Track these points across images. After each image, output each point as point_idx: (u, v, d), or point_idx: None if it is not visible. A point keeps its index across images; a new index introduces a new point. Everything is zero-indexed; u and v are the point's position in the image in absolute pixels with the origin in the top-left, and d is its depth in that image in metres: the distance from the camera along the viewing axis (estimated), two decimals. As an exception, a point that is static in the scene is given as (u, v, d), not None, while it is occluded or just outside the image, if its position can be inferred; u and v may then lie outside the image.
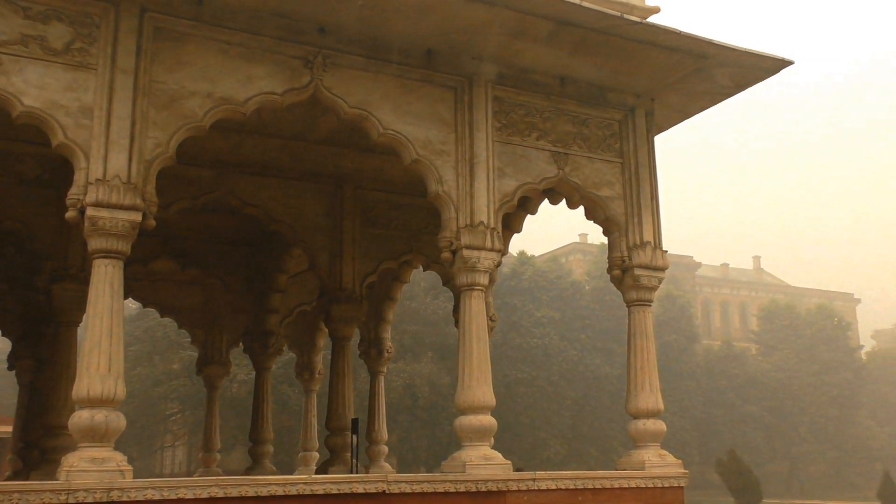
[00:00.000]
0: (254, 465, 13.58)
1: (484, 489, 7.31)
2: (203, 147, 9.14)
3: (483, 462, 7.47)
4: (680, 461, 8.58)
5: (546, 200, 10.23)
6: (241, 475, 10.19)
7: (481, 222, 7.91)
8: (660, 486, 8.13)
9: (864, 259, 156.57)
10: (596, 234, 49.80)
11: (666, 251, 8.90)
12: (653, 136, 9.19)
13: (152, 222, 6.83)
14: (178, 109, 7.11)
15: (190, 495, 6.33)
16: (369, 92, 7.92)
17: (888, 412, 56.27)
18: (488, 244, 7.90)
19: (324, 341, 14.30)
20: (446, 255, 8.03)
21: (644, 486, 8.07)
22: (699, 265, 74.12)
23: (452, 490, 7.21)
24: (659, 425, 8.55)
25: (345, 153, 10.47)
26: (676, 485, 8.25)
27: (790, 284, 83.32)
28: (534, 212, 10.77)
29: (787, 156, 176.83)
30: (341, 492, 6.90)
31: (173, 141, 7.01)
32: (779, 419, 49.03)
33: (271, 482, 6.79)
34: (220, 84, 7.31)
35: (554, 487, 7.69)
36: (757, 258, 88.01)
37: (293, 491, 6.70)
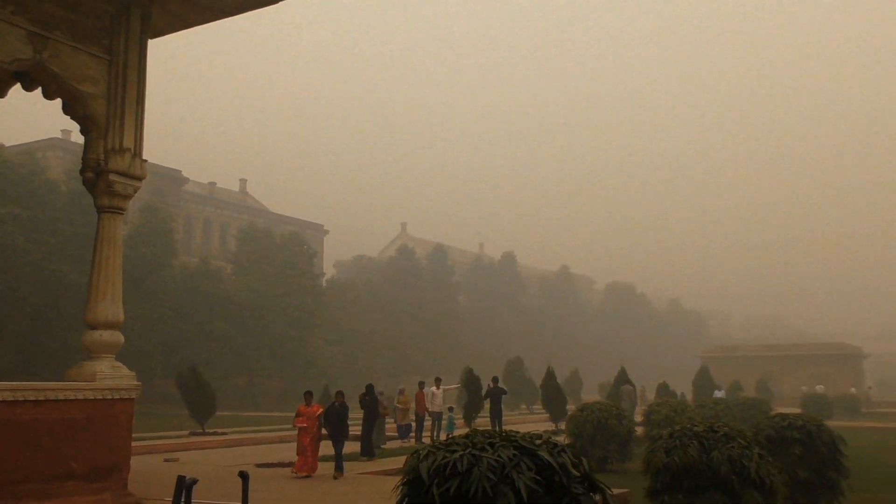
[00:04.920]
0: None
1: None
2: None
3: None
4: (134, 374, 8.50)
5: (19, 86, 9.18)
6: None
7: (-72, 95, 6.79)
8: (109, 397, 7.96)
9: (334, 193, 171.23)
10: (80, 133, 46.24)
11: (146, 161, 8.62)
12: (146, 39, 8.77)
13: None
14: None
15: None
16: None
17: (337, 334, 62.83)
18: (-64, 122, 6.82)
19: None
20: None
21: (92, 397, 7.83)
22: (187, 181, 73.65)
23: None
24: (116, 337, 8.34)
25: None
26: (127, 396, 8.16)
27: (270, 210, 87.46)
28: (2, 95, 9.59)
29: (284, 83, 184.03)
30: None
31: None
32: (244, 337, 51.49)
33: None
34: None
35: (-11, 399, 7.06)
36: (243, 181, 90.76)
37: None
